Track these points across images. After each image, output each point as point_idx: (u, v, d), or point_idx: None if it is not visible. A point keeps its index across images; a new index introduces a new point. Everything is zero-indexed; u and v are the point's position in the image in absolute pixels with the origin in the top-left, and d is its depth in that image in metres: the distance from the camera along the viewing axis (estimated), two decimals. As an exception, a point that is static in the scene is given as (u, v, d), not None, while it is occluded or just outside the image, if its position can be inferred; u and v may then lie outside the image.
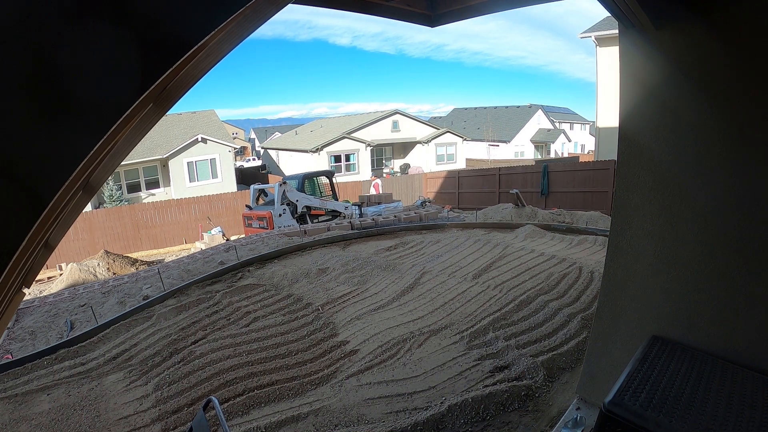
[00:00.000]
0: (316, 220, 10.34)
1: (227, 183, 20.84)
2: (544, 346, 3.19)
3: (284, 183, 10.24)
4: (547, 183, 12.18)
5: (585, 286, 4.24)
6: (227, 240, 11.50)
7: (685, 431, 1.28)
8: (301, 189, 10.75)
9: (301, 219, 10.11)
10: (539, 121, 36.54)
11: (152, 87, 0.66)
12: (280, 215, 9.71)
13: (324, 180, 12.14)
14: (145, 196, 19.00)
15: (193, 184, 20.18)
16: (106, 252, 9.87)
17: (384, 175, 24.46)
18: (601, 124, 13.78)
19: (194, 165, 20.37)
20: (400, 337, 3.45)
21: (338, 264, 5.42)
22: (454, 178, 15.84)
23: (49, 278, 10.01)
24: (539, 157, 32.31)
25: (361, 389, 2.85)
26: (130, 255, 11.33)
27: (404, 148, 27.10)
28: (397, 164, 27.19)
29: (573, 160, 20.68)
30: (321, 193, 11.80)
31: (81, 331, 3.98)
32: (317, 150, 22.55)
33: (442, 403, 2.60)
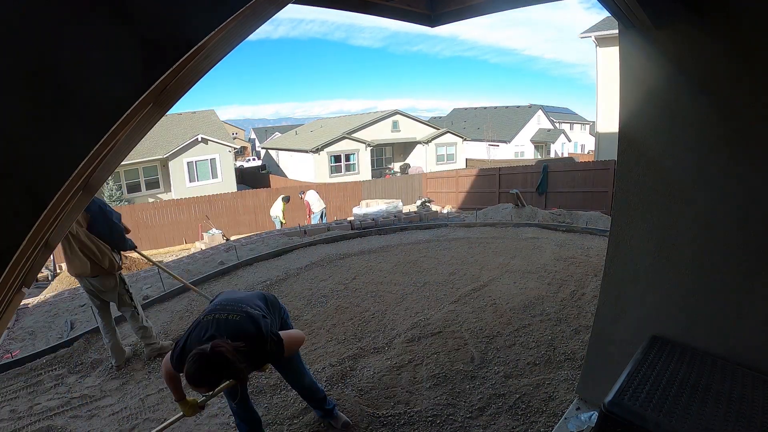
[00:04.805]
0: None
1: (227, 183, 20.86)
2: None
3: None
4: (545, 182, 12.18)
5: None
6: (227, 240, 11.50)
7: (685, 431, 1.28)
8: None
9: None
10: (539, 122, 36.56)
11: (152, 87, 0.66)
12: None
13: None
14: (151, 199, 18.97)
15: (193, 184, 20.20)
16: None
17: (384, 175, 24.47)
18: (600, 128, 13.76)
19: (194, 165, 20.39)
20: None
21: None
22: (454, 178, 15.85)
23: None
24: (539, 157, 32.32)
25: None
26: (130, 255, 11.30)
27: (404, 148, 27.11)
28: (397, 164, 27.20)
29: (570, 160, 20.70)
30: None
31: (81, 331, 3.98)
32: (317, 150, 22.57)
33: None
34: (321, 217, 11.75)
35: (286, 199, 12.18)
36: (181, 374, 1.73)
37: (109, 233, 3.27)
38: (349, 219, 10.30)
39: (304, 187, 13.82)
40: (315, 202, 11.84)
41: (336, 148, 23.26)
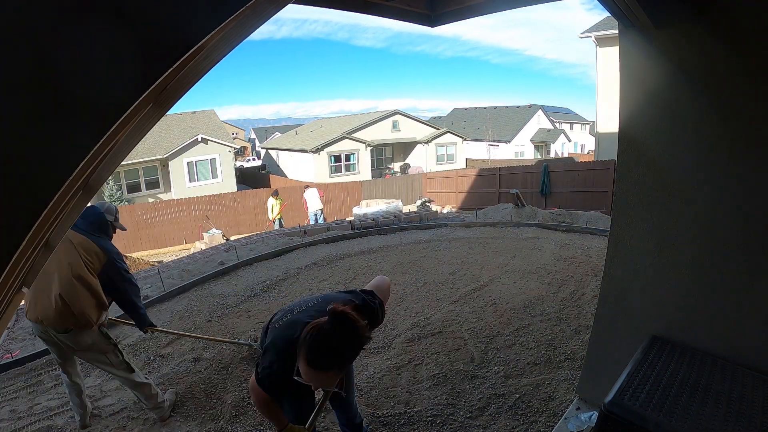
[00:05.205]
0: None
1: (227, 183, 20.86)
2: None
3: None
4: (548, 183, 12.18)
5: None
6: (227, 240, 11.50)
7: (685, 431, 1.28)
8: None
9: None
10: (539, 121, 36.56)
11: (152, 87, 0.66)
12: None
13: None
14: (151, 199, 18.94)
15: (193, 184, 20.20)
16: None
17: (384, 175, 24.46)
18: (600, 128, 13.77)
19: (194, 165, 20.39)
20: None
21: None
22: (454, 178, 15.85)
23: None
24: (539, 157, 32.33)
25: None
26: (130, 255, 11.31)
27: (404, 148, 27.10)
28: (397, 164, 27.20)
29: (570, 160, 20.72)
30: None
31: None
32: (317, 150, 22.56)
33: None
34: (315, 219, 11.63)
35: (275, 193, 12.18)
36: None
37: (123, 298, 2.58)
38: (349, 219, 10.30)
39: (307, 185, 13.79)
40: (311, 200, 11.72)
41: (336, 148, 23.25)
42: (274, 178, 24.14)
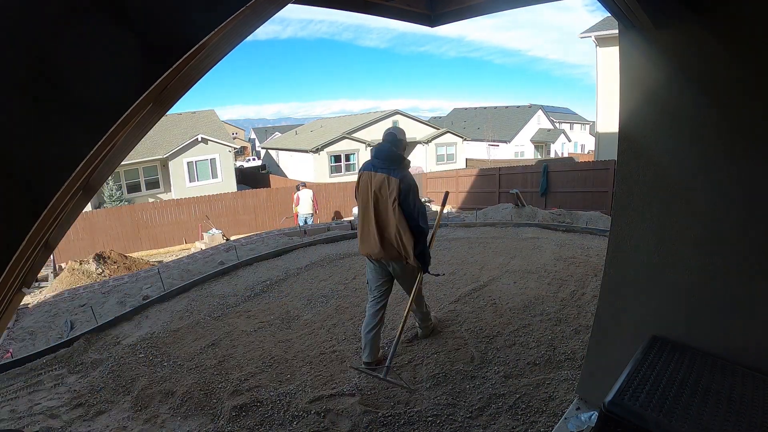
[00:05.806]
0: None
1: (227, 183, 20.86)
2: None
3: None
4: (546, 182, 12.18)
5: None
6: (227, 240, 11.50)
7: (685, 431, 1.28)
8: None
9: None
10: (539, 121, 36.57)
11: (152, 87, 0.66)
12: None
13: None
14: (152, 199, 18.93)
15: (193, 184, 20.19)
16: (98, 255, 9.61)
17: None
18: (600, 128, 13.76)
19: (194, 165, 20.38)
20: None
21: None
22: (454, 178, 15.85)
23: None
24: (539, 157, 32.32)
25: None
26: (130, 254, 11.27)
27: (404, 148, 27.07)
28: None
29: (570, 160, 20.72)
30: None
31: (81, 331, 3.98)
32: (317, 150, 22.56)
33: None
34: (305, 221, 11.32)
35: (298, 188, 11.99)
36: None
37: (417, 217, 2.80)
38: (348, 219, 10.28)
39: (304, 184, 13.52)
40: (303, 201, 11.42)
41: (336, 148, 23.24)
42: (274, 178, 24.14)
